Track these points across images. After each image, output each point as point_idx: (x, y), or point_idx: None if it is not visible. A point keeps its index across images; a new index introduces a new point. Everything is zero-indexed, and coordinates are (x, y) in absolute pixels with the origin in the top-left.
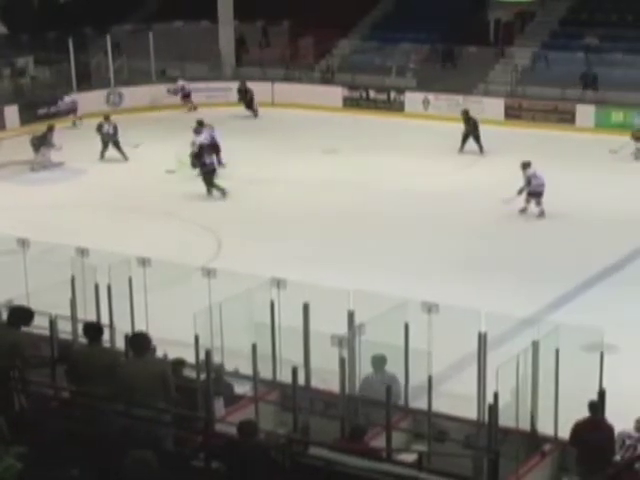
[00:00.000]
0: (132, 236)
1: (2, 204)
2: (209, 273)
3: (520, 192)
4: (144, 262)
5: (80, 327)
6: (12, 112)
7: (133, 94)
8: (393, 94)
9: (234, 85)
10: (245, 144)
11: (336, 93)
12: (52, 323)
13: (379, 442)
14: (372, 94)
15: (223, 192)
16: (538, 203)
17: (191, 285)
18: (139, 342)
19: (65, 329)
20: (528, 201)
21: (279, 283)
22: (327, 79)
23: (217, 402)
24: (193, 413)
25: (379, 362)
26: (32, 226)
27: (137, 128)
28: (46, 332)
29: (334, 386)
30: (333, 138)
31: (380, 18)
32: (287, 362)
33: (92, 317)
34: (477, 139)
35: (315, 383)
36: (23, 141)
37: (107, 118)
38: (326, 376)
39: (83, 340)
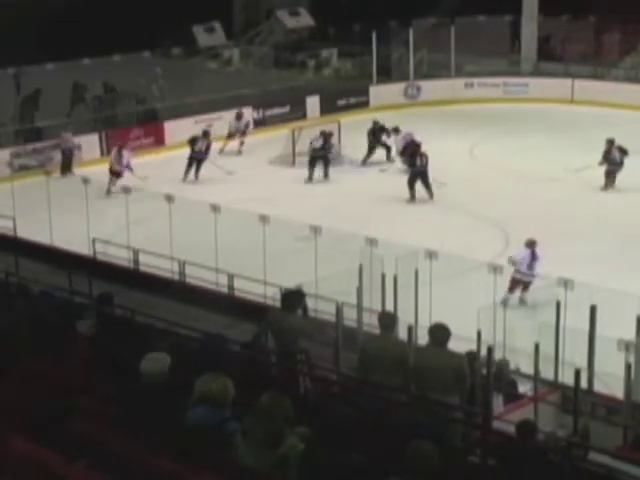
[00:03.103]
0: (420, 228)
1: (299, 191)
2: (495, 269)
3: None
4: (431, 255)
5: (365, 316)
6: (314, 102)
7: (431, 88)
8: None
9: (532, 81)
10: (539, 142)
11: None
12: (338, 310)
13: None
14: None
15: (430, 194)
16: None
17: (476, 280)
18: (439, 333)
19: (350, 316)
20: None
21: (566, 283)
22: (631, 77)
23: (496, 399)
24: (472, 408)
25: None
26: (325, 214)
27: (433, 121)
28: (331, 318)
29: (618, 392)
30: (635, 138)
31: None
32: (570, 364)
33: (377, 306)
34: None
35: (598, 387)
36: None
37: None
38: (610, 381)
39: (367, 329)
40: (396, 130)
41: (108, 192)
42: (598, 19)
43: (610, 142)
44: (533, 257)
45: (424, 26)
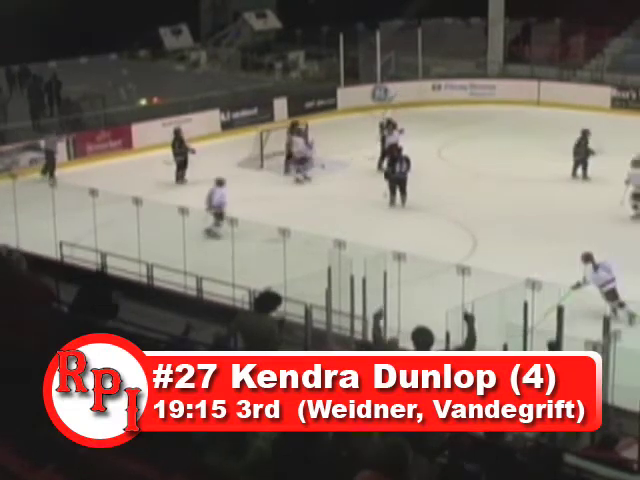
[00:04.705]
0: (389, 231)
1: (268, 193)
2: (463, 271)
3: (576, 287)
4: (399, 257)
5: (334, 318)
6: (281, 104)
7: (399, 90)
8: None
9: (499, 83)
10: (506, 143)
11: (605, 93)
12: (307, 312)
13: (631, 453)
14: None
15: (403, 201)
16: (620, 304)
17: (445, 282)
18: (422, 337)
19: (319, 319)
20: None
21: (534, 284)
22: (596, 79)
23: None
24: None
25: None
26: (294, 216)
27: (401, 123)
28: (300, 320)
29: None
30: (599, 139)
31: None
32: None
33: (346, 309)
34: None
35: None
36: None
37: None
38: None
39: (336, 331)
40: (390, 122)
41: (210, 232)
42: (564, 22)
43: (583, 132)
44: (595, 268)
45: (391, 28)
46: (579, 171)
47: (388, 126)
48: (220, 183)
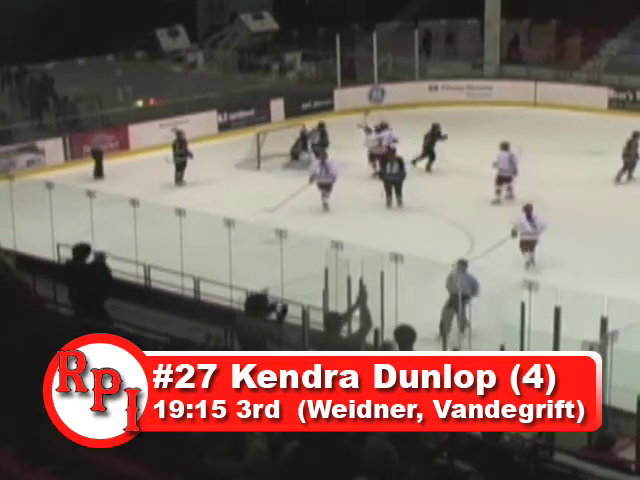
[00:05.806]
0: (386, 231)
1: (264, 194)
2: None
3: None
4: (396, 258)
5: None
6: (278, 106)
7: (395, 91)
8: None
9: (495, 84)
10: None
11: (601, 94)
12: (304, 313)
13: (628, 454)
14: (639, 96)
15: (399, 202)
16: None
17: (442, 283)
18: (405, 334)
19: (316, 320)
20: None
21: (531, 285)
22: (593, 80)
23: None
24: None
25: (462, 265)
26: (291, 217)
27: (397, 124)
28: (298, 321)
29: None
30: (596, 140)
31: None
32: None
33: (343, 309)
34: None
35: None
36: (286, 134)
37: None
38: None
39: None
40: (384, 126)
41: (325, 206)
42: (560, 23)
43: (634, 134)
44: (529, 219)
45: (388, 29)
46: (625, 175)
47: (382, 127)
48: (326, 155)
